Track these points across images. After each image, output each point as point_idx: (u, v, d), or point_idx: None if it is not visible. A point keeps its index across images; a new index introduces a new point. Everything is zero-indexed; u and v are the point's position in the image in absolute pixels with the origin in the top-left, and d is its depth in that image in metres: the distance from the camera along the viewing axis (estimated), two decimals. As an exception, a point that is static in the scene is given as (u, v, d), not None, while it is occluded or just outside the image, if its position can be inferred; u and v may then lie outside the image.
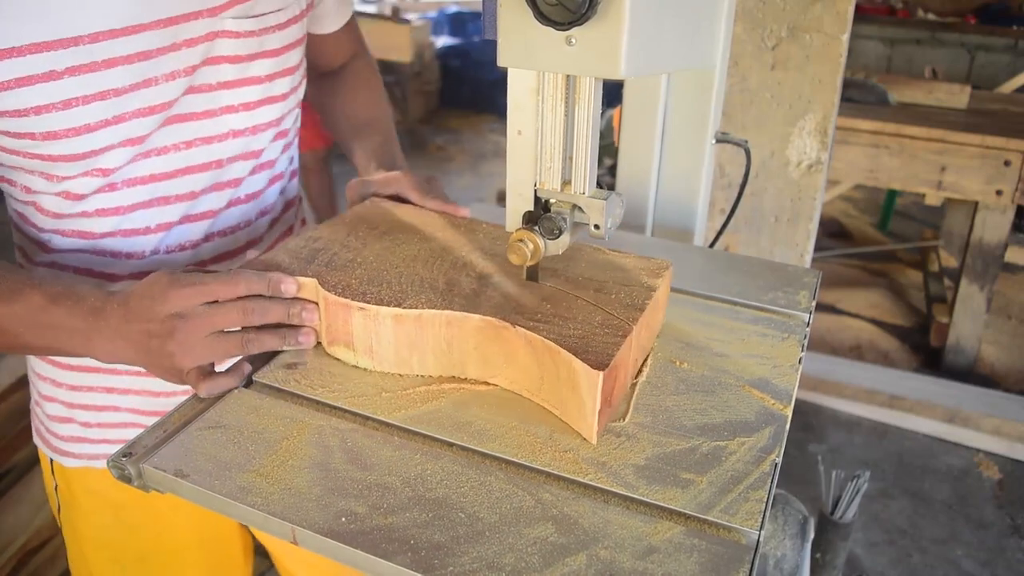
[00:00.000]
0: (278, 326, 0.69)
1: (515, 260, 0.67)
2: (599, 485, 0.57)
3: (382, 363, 0.68)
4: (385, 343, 0.67)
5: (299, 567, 1.03)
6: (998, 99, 2.90)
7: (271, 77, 0.81)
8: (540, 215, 0.68)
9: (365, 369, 0.69)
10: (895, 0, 4.64)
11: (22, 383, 2.06)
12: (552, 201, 0.68)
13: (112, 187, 0.76)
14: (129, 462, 0.58)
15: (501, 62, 0.59)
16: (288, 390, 0.67)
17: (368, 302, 0.66)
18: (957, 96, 2.60)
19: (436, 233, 0.80)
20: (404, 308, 0.66)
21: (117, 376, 0.86)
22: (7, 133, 0.68)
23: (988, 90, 3.20)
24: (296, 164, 0.96)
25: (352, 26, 1.04)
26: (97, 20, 0.67)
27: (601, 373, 0.57)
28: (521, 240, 0.67)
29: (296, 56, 0.84)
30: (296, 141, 0.94)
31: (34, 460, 1.95)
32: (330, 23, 0.98)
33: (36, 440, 0.95)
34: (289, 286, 0.69)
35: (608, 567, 0.50)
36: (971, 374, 2.64)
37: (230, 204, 0.85)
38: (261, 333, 0.68)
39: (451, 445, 0.61)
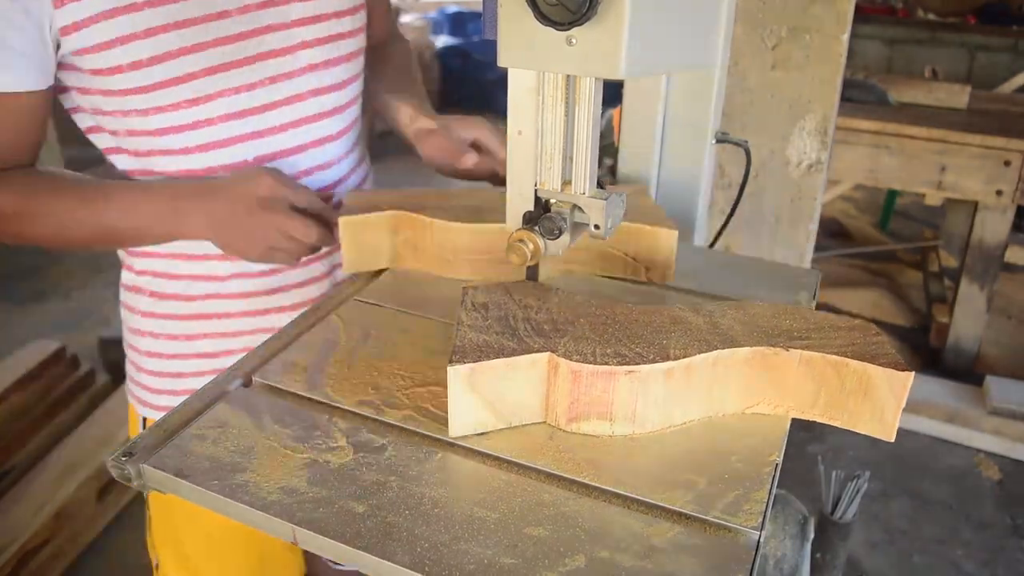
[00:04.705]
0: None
1: (515, 260, 0.67)
2: (599, 485, 0.57)
3: (644, 425, 0.62)
4: (652, 403, 0.61)
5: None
6: (998, 99, 2.90)
7: (338, 15, 0.89)
8: (540, 215, 0.68)
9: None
10: (895, 0, 4.64)
11: (22, 383, 2.06)
12: (552, 201, 0.68)
13: (202, 123, 0.85)
14: (129, 462, 0.58)
15: (501, 62, 0.59)
16: (288, 390, 0.67)
17: (636, 363, 0.60)
18: (957, 96, 2.60)
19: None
20: (673, 360, 0.61)
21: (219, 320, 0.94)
22: (98, 71, 0.79)
23: (988, 90, 3.20)
24: (358, 134, 1.02)
25: (386, 4, 1.08)
26: None
27: (912, 373, 0.60)
28: (521, 240, 0.67)
29: None
30: (360, 102, 1.00)
31: (34, 460, 1.96)
32: None
33: (134, 403, 1.00)
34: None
35: (608, 567, 0.50)
36: (971, 374, 2.64)
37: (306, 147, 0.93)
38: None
39: (451, 445, 0.61)
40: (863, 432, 0.64)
